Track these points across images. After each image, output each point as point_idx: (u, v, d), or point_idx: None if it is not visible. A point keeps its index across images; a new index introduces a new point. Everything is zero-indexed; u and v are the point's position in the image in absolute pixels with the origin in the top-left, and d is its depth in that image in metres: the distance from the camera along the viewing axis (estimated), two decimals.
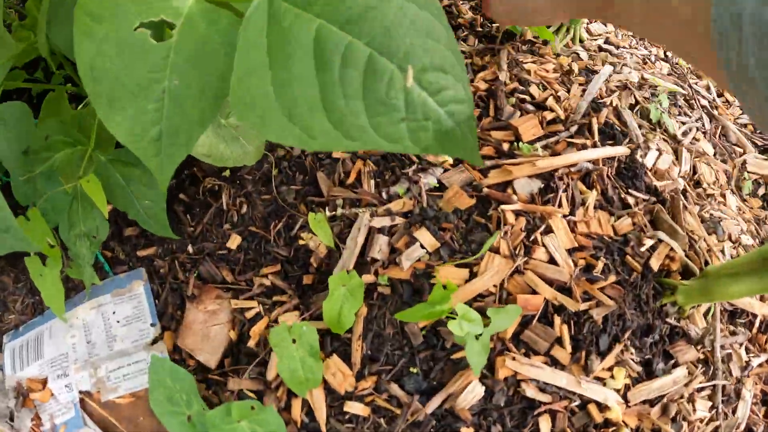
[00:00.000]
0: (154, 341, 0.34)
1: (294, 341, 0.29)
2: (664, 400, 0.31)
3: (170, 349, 0.34)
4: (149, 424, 0.32)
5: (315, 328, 0.30)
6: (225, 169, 0.38)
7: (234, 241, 0.36)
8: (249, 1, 0.17)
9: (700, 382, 0.32)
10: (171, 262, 0.36)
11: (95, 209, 0.33)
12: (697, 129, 0.42)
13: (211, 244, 0.36)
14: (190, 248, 0.36)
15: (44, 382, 0.35)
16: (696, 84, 0.47)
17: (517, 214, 0.34)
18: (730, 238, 0.37)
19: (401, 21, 0.15)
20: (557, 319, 0.31)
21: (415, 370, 0.31)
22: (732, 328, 0.34)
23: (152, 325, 0.35)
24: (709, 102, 0.46)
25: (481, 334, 0.28)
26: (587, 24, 0.47)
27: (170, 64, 0.19)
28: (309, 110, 0.15)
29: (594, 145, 0.37)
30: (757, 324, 0.35)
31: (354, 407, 0.30)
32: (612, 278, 0.32)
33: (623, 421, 0.30)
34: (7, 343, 0.39)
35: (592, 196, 0.35)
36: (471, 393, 0.29)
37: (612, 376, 0.31)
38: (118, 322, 0.35)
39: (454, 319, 0.28)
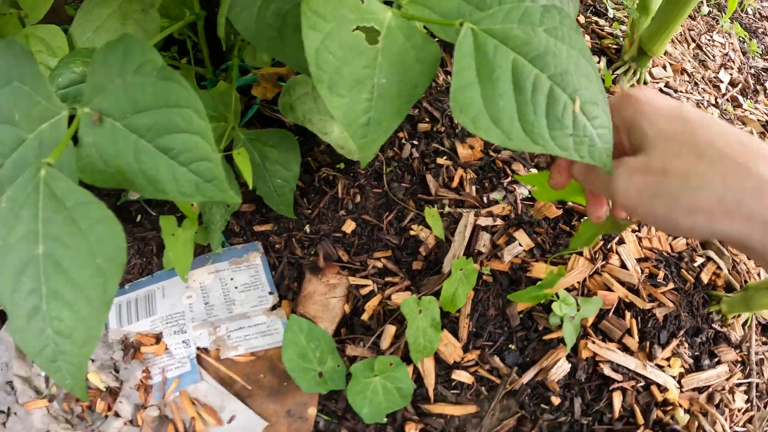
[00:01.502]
0: (274, 307, 0.48)
1: (420, 312, 0.44)
2: (710, 389, 0.48)
3: (288, 315, 0.47)
4: (269, 381, 0.44)
5: (437, 303, 0.44)
6: (339, 162, 0.54)
7: (349, 226, 0.51)
8: (450, 28, 0.33)
9: (738, 379, 0.49)
10: (288, 239, 0.50)
11: (232, 180, 0.47)
12: None
13: (326, 227, 0.51)
14: (307, 228, 0.51)
15: (158, 336, 0.47)
16: (741, 129, 0.67)
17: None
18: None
19: (570, 64, 0.32)
20: (628, 314, 0.48)
21: (512, 347, 0.46)
22: (765, 338, 0.52)
23: (270, 293, 0.48)
24: None
25: (573, 317, 0.44)
26: (651, 68, 0.67)
27: (378, 65, 0.34)
28: (509, 119, 0.31)
29: None
30: None
31: (460, 375, 0.45)
32: (671, 285, 0.50)
33: (678, 402, 0.46)
34: None
35: None
36: (559, 368, 0.45)
37: (669, 365, 0.47)
38: (236, 288, 0.49)
39: (555, 301, 0.44)
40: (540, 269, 0.49)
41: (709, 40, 0.74)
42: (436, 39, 0.37)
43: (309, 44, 0.30)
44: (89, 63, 0.32)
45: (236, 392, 0.44)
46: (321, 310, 0.46)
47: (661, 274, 0.50)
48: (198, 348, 0.46)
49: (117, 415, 0.46)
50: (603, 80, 0.65)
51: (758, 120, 0.69)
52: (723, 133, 0.27)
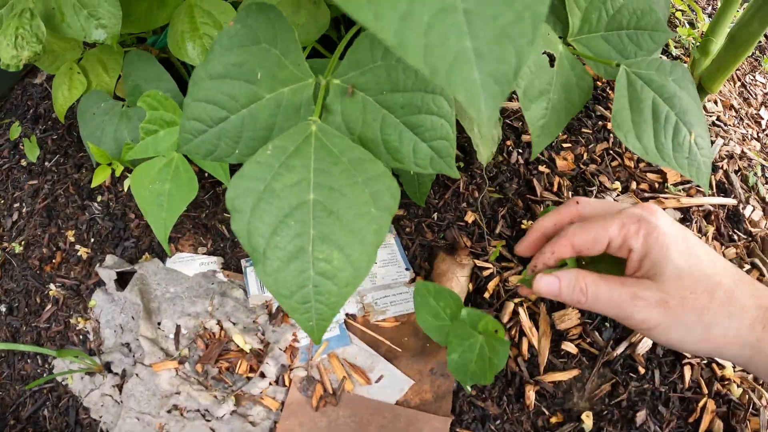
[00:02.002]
0: (411, 280, 0.60)
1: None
2: None
3: None
4: (413, 343, 0.56)
5: None
6: (458, 161, 0.67)
7: (470, 217, 0.64)
8: (599, 65, 0.48)
9: None
10: (418, 224, 0.63)
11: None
12: None
13: (450, 216, 0.64)
14: (435, 216, 0.63)
15: None
16: None
17: None
18: None
19: (688, 106, 0.48)
20: None
21: (608, 324, 0.60)
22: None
23: (407, 269, 0.60)
24: None
25: None
26: (704, 103, 0.85)
27: (553, 83, 0.49)
28: (647, 139, 0.47)
29: (712, 195, 0.72)
30: None
31: (567, 346, 0.58)
32: None
33: (733, 379, 0.61)
34: (249, 266, 0.61)
35: (711, 230, 0.69)
36: (644, 344, 0.59)
37: None
38: (376, 263, 0.60)
39: None
40: None
41: (752, 79, 0.93)
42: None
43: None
44: (353, 44, 0.38)
45: (383, 354, 0.55)
46: (453, 285, 0.59)
47: None
48: (346, 314, 0.57)
49: (263, 375, 0.55)
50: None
51: None
52: (726, 272, 0.34)
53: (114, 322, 0.63)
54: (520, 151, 0.70)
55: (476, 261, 0.61)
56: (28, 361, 0.66)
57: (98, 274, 0.64)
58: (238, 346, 0.55)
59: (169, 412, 0.54)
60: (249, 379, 0.54)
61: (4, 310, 0.69)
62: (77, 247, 0.68)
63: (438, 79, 0.20)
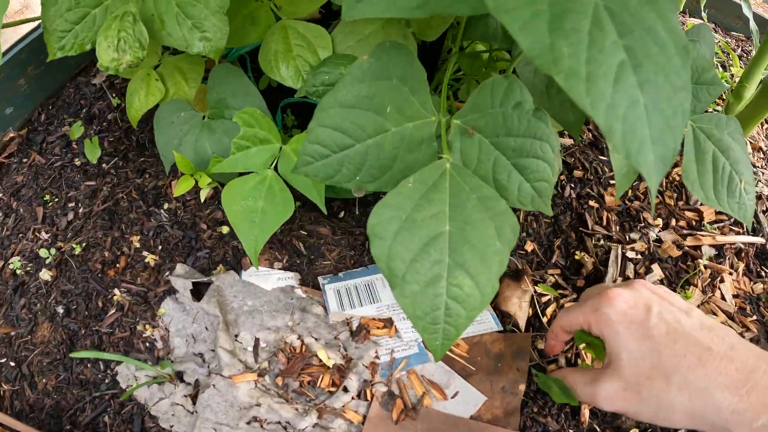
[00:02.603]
0: None
1: None
2: None
3: (491, 310, 0.65)
4: (485, 363, 0.62)
5: None
6: None
7: (529, 246, 0.70)
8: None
9: None
10: None
11: None
12: None
13: None
14: None
15: (387, 321, 0.63)
16: None
17: (705, 266, 0.75)
18: None
19: (740, 157, 0.56)
20: None
21: None
22: None
23: None
24: None
25: None
26: None
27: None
28: (708, 187, 0.54)
29: (743, 233, 0.81)
30: None
31: None
32: (754, 317, 0.74)
33: None
34: (327, 284, 0.65)
35: (741, 266, 0.78)
36: None
37: None
38: None
39: None
40: None
41: None
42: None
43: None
44: (474, 92, 0.45)
45: (458, 371, 0.61)
46: (517, 310, 0.65)
47: (748, 308, 0.75)
48: None
49: (345, 389, 0.59)
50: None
51: None
52: (685, 352, 0.34)
53: (185, 332, 0.66)
54: (573, 185, 0.77)
55: (536, 287, 0.68)
56: (88, 365, 0.68)
57: (170, 282, 0.67)
58: (320, 361, 0.59)
59: (248, 423, 0.57)
60: (331, 393, 0.58)
61: (61, 311, 0.71)
62: (144, 253, 0.70)
63: (630, 158, 0.27)
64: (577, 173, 0.78)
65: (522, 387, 0.60)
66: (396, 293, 0.39)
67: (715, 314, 0.72)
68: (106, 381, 0.66)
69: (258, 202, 0.58)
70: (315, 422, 0.56)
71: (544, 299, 0.67)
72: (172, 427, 0.61)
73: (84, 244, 0.73)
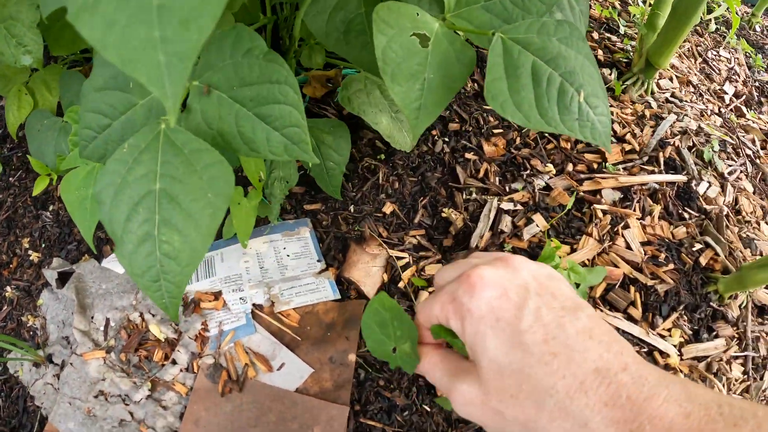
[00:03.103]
0: (321, 272, 0.61)
1: None
2: (708, 359, 0.59)
3: (334, 279, 0.60)
4: (315, 332, 0.57)
5: None
6: (380, 153, 0.68)
7: (388, 208, 0.64)
8: (482, 37, 0.47)
9: (735, 352, 0.60)
10: (334, 217, 0.64)
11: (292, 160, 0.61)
12: (741, 171, 0.75)
13: (369, 207, 0.64)
14: (351, 208, 0.64)
15: (217, 294, 0.60)
16: (743, 137, 0.80)
17: (604, 212, 0.64)
18: (761, 254, 0.67)
19: (577, 65, 0.46)
20: (632, 288, 0.60)
21: None
22: (761, 320, 0.63)
23: (318, 261, 0.61)
24: (753, 152, 0.79)
25: (579, 285, 0.56)
26: (658, 80, 0.81)
27: (428, 63, 0.48)
28: (528, 106, 0.45)
29: (660, 173, 0.69)
30: None
31: None
32: (671, 266, 0.62)
33: (679, 368, 0.57)
34: None
35: (657, 209, 0.66)
36: None
37: (670, 335, 0.59)
38: (288, 256, 0.62)
39: (565, 270, 0.56)
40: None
41: (715, 55, 0.88)
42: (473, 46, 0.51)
43: (378, 44, 0.43)
44: (204, 47, 0.45)
45: (286, 343, 0.56)
46: (364, 276, 0.59)
47: (663, 255, 0.63)
48: (253, 304, 0.59)
49: (174, 362, 0.58)
50: (614, 89, 0.79)
51: (761, 129, 0.82)
52: (565, 372, 0.25)
53: (57, 318, 0.68)
54: (446, 140, 0.70)
55: (391, 251, 0.61)
56: None
57: (44, 275, 0.70)
58: (155, 336, 0.59)
59: (96, 397, 0.58)
60: (163, 366, 0.57)
61: None
62: (30, 252, 0.74)
63: (127, 67, 0.22)
64: (453, 126, 0.71)
65: (352, 357, 0.54)
66: (117, 255, 0.38)
67: (616, 265, 0.61)
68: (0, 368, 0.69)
69: (89, 190, 0.59)
70: (148, 394, 0.56)
71: (401, 263, 0.61)
72: (42, 404, 0.63)
73: None
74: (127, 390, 0.57)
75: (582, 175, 0.68)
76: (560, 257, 0.57)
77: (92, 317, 0.64)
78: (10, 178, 0.84)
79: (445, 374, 0.29)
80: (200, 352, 0.57)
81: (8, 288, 0.73)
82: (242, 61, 0.41)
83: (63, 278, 0.68)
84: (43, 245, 0.74)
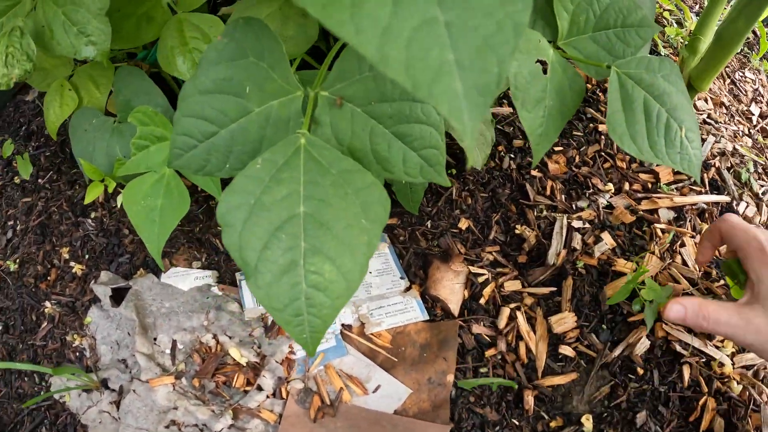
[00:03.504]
0: (406, 289, 0.60)
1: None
2: (755, 367, 0.63)
3: (419, 297, 0.60)
4: (410, 353, 0.57)
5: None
6: (450, 167, 0.67)
7: (463, 224, 0.64)
8: (590, 66, 0.48)
9: None
10: (411, 233, 0.63)
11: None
12: None
13: (444, 223, 0.64)
14: (428, 224, 0.64)
15: None
16: None
17: (663, 231, 0.67)
18: None
19: (678, 102, 0.48)
20: None
21: (604, 327, 0.60)
22: None
23: (401, 278, 0.61)
24: None
25: (652, 302, 0.59)
26: (695, 101, 0.85)
27: (548, 90, 0.49)
28: (641, 139, 0.47)
29: (706, 193, 0.72)
30: None
31: (565, 350, 0.58)
32: (722, 282, 0.66)
33: (732, 376, 0.61)
34: (243, 279, 0.61)
35: (705, 227, 0.70)
36: (641, 345, 0.60)
37: (723, 345, 0.63)
38: (371, 273, 0.61)
39: (642, 288, 0.58)
40: (621, 264, 0.64)
41: (741, 76, 0.94)
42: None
43: (510, 69, 0.44)
44: (340, 56, 0.39)
45: (380, 364, 0.55)
46: (449, 294, 0.59)
47: (714, 272, 0.67)
48: (342, 325, 0.58)
49: (260, 388, 0.55)
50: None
51: None
52: None
53: (110, 339, 0.63)
54: (512, 156, 0.70)
55: (471, 267, 0.62)
56: (26, 379, 0.66)
57: (93, 290, 0.64)
58: (234, 360, 0.55)
59: (167, 427, 0.54)
60: (246, 392, 0.54)
61: (0, 328, 0.69)
62: (72, 263, 0.68)
63: (420, 92, 0.20)
64: (517, 143, 0.71)
65: (450, 378, 0.55)
66: (250, 285, 0.34)
67: (677, 281, 0.64)
68: (42, 393, 0.64)
69: (157, 200, 0.55)
70: (230, 423, 0.52)
71: (480, 279, 0.61)
72: None
73: (19, 261, 0.71)
74: (205, 419, 0.53)
75: (639, 194, 0.70)
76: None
77: (155, 339, 0.60)
78: (40, 180, 0.76)
79: (740, 317, 0.42)
80: (287, 377, 0.54)
81: (47, 303, 0.67)
82: (383, 75, 0.38)
83: (117, 294, 0.63)
84: (87, 256, 0.68)
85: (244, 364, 0.56)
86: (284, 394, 0.53)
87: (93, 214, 0.70)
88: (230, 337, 0.58)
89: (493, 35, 0.21)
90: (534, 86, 0.47)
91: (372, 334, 0.57)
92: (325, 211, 0.34)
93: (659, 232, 0.67)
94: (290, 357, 0.55)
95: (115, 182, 0.60)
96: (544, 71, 0.48)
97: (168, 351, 0.58)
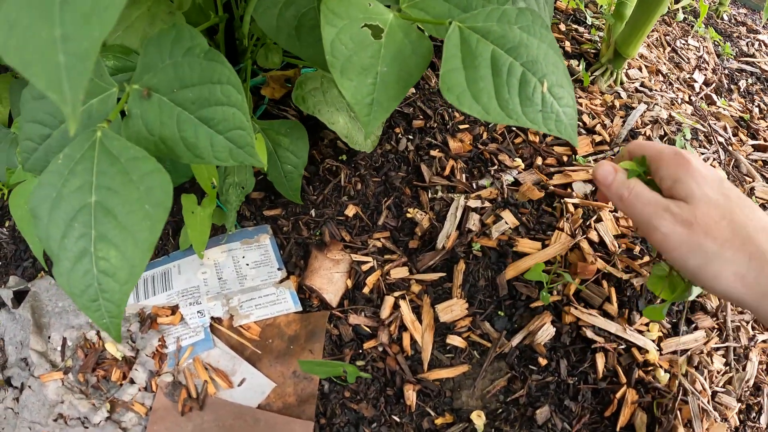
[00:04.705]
0: (282, 281, 0.55)
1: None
2: (689, 352, 0.54)
3: (296, 288, 0.55)
4: (277, 345, 0.52)
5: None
6: (341, 154, 0.63)
7: (351, 211, 0.59)
8: (440, 27, 0.42)
9: (716, 343, 0.55)
10: (295, 222, 0.59)
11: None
12: (713, 159, 0.70)
13: (330, 211, 0.59)
14: (312, 212, 0.59)
15: (174, 308, 0.55)
16: (715, 124, 0.76)
17: (576, 206, 0.59)
18: None
19: (539, 54, 0.41)
20: (606, 283, 0.55)
21: (501, 314, 0.53)
22: (740, 308, 0.59)
23: (279, 269, 0.56)
24: (725, 139, 0.75)
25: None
26: (627, 70, 0.77)
27: (381, 56, 0.43)
28: (488, 97, 0.40)
29: None
30: None
31: (454, 340, 0.52)
32: (647, 258, 0.57)
33: (659, 363, 0.52)
34: None
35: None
36: (545, 332, 0.52)
37: (648, 329, 0.54)
38: (248, 265, 0.57)
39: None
40: (525, 244, 0.56)
41: (684, 44, 0.84)
42: (429, 36, 0.46)
43: (326, 36, 0.39)
44: (140, 49, 0.39)
45: (247, 357, 0.51)
46: (326, 283, 0.54)
47: (638, 248, 0.58)
48: (212, 318, 0.54)
49: (132, 382, 0.53)
50: (582, 80, 0.74)
51: (731, 116, 0.78)
52: (753, 217, 0.35)
53: (15, 339, 0.62)
54: (410, 137, 0.65)
55: (353, 255, 0.56)
56: None
57: (0, 295, 0.64)
58: (112, 355, 0.53)
59: (55, 420, 0.54)
60: (121, 386, 0.52)
61: None
62: None
63: (26, 71, 0.20)
64: (417, 123, 0.66)
65: None
66: (55, 273, 0.35)
67: (587, 261, 0.56)
68: None
69: (31, 196, 0.53)
70: (107, 416, 0.52)
71: (365, 267, 0.56)
72: (3, 429, 0.58)
73: None
74: (86, 412, 0.52)
75: (552, 169, 0.63)
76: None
77: (49, 337, 0.59)
78: None
79: (660, 200, 0.37)
80: (158, 370, 0.51)
81: None
82: (182, 61, 0.37)
83: (19, 297, 0.63)
84: (0, 263, 0.68)
85: (120, 359, 0.53)
86: (155, 388, 0.50)
87: (7, 223, 0.71)
88: None
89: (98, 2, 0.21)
90: (360, 53, 0.42)
91: (241, 326, 0.53)
92: (112, 198, 0.34)
93: (571, 208, 0.59)
94: (161, 350, 0.52)
95: (10, 190, 0.60)
96: (379, 36, 0.43)
97: (59, 348, 0.57)
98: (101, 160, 0.35)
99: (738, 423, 0.54)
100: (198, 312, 0.54)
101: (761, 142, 0.78)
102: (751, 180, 0.73)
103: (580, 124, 0.68)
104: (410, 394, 0.50)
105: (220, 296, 0.55)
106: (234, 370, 0.50)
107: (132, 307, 0.57)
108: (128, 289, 0.34)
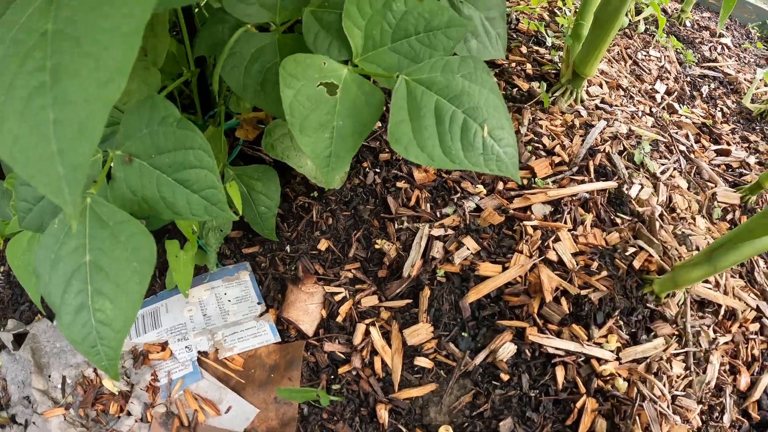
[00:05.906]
0: (261, 314, 0.62)
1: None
2: (648, 360, 0.59)
3: (274, 320, 0.61)
4: (259, 374, 0.58)
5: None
6: (313, 191, 0.70)
7: (323, 245, 0.66)
8: (390, 79, 0.49)
9: (675, 349, 0.60)
10: (272, 258, 0.66)
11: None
12: (674, 168, 0.76)
13: (304, 246, 0.66)
14: (288, 248, 0.66)
15: (164, 344, 0.62)
16: (676, 133, 0.82)
17: (535, 228, 0.65)
18: (698, 249, 0.68)
19: (481, 100, 0.47)
20: (564, 301, 0.60)
21: (465, 334, 0.59)
22: (701, 314, 0.64)
23: (258, 303, 0.63)
24: (686, 147, 0.81)
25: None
26: (587, 88, 0.83)
27: (337, 111, 0.50)
28: (432, 145, 0.47)
29: (590, 181, 0.70)
30: (722, 312, 0.64)
31: (421, 361, 0.58)
32: (604, 273, 0.63)
33: (617, 372, 0.58)
34: None
35: (589, 217, 0.67)
36: (506, 350, 0.58)
37: (607, 341, 0.59)
38: (230, 301, 0.63)
39: None
40: (486, 268, 0.62)
41: (645, 56, 0.90)
42: (382, 88, 0.53)
43: (285, 99, 0.45)
44: (121, 118, 0.44)
45: (232, 387, 0.58)
46: (302, 315, 0.61)
47: (595, 264, 0.64)
48: (199, 352, 0.61)
49: (129, 414, 0.60)
50: (542, 102, 0.80)
51: (693, 123, 0.84)
52: None
53: (17, 379, 0.70)
54: (377, 170, 0.72)
55: (326, 287, 0.63)
56: None
57: (0, 338, 0.72)
58: (109, 390, 0.61)
59: None
60: (119, 418, 0.59)
61: None
62: None
63: (32, 181, 0.25)
64: (383, 156, 0.73)
65: None
66: (58, 325, 0.41)
67: (541, 280, 0.62)
68: None
69: (32, 254, 0.61)
70: None
71: (337, 297, 0.62)
72: None
73: None
74: None
75: (512, 192, 0.69)
76: None
77: (49, 376, 0.66)
78: None
79: None
80: (152, 402, 0.58)
81: None
82: (158, 130, 0.44)
83: (18, 339, 0.70)
84: None
85: (117, 393, 0.61)
86: (150, 418, 0.57)
87: (1, 269, 0.79)
88: None
89: (86, 120, 0.26)
90: (316, 111, 0.48)
91: (225, 359, 0.60)
92: (104, 258, 0.41)
93: (530, 230, 0.65)
94: (154, 384, 0.59)
95: (5, 239, 0.68)
96: (333, 92, 0.50)
97: (59, 386, 0.65)
98: (92, 224, 0.41)
99: (700, 424, 0.59)
100: (186, 347, 0.61)
101: (724, 146, 0.83)
102: (713, 185, 0.79)
103: (540, 146, 0.74)
104: (383, 413, 0.56)
105: (205, 331, 0.62)
106: (221, 399, 0.57)
107: (126, 345, 0.64)
108: (123, 335, 0.40)
